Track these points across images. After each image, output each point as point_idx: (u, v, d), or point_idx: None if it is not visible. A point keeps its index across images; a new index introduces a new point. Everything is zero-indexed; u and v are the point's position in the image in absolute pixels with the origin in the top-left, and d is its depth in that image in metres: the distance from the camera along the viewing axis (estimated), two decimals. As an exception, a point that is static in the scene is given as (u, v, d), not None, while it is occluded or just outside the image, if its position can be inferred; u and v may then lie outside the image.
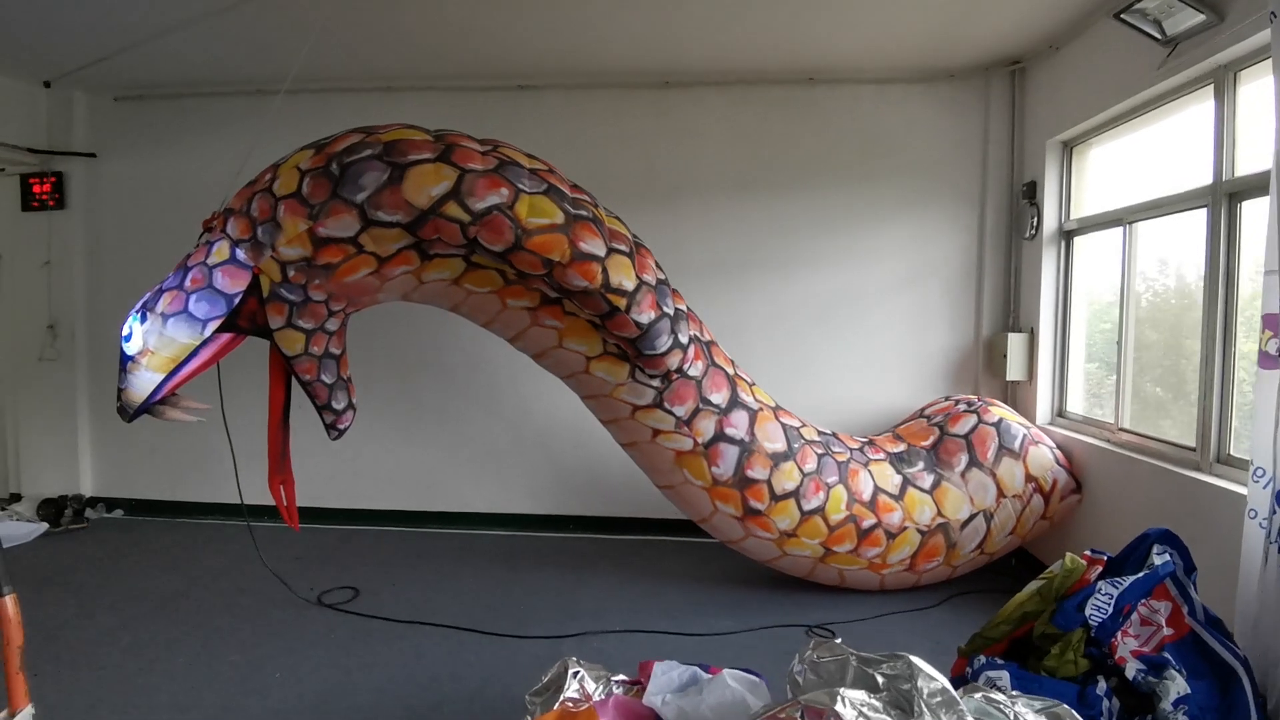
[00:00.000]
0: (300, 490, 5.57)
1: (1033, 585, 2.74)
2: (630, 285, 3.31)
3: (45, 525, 5.32)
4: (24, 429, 5.83)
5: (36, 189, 5.54)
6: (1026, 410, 4.74)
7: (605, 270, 3.23)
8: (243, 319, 3.33)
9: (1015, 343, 4.76)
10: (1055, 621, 2.57)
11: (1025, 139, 4.96)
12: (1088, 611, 2.47)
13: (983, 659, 2.53)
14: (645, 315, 3.36)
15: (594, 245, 3.24)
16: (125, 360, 3.37)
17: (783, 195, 5.17)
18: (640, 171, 5.21)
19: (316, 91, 5.30)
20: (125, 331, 3.38)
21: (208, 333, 3.30)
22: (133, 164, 5.70)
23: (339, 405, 3.65)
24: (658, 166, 5.24)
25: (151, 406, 3.45)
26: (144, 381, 3.34)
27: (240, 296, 3.29)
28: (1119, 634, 2.44)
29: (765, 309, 5.20)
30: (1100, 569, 2.64)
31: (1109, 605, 2.46)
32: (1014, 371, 4.77)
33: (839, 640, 2.33)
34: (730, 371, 3.91)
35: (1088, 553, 2.73)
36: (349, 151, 3.20)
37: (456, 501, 5.51)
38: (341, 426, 3.71)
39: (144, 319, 3.32)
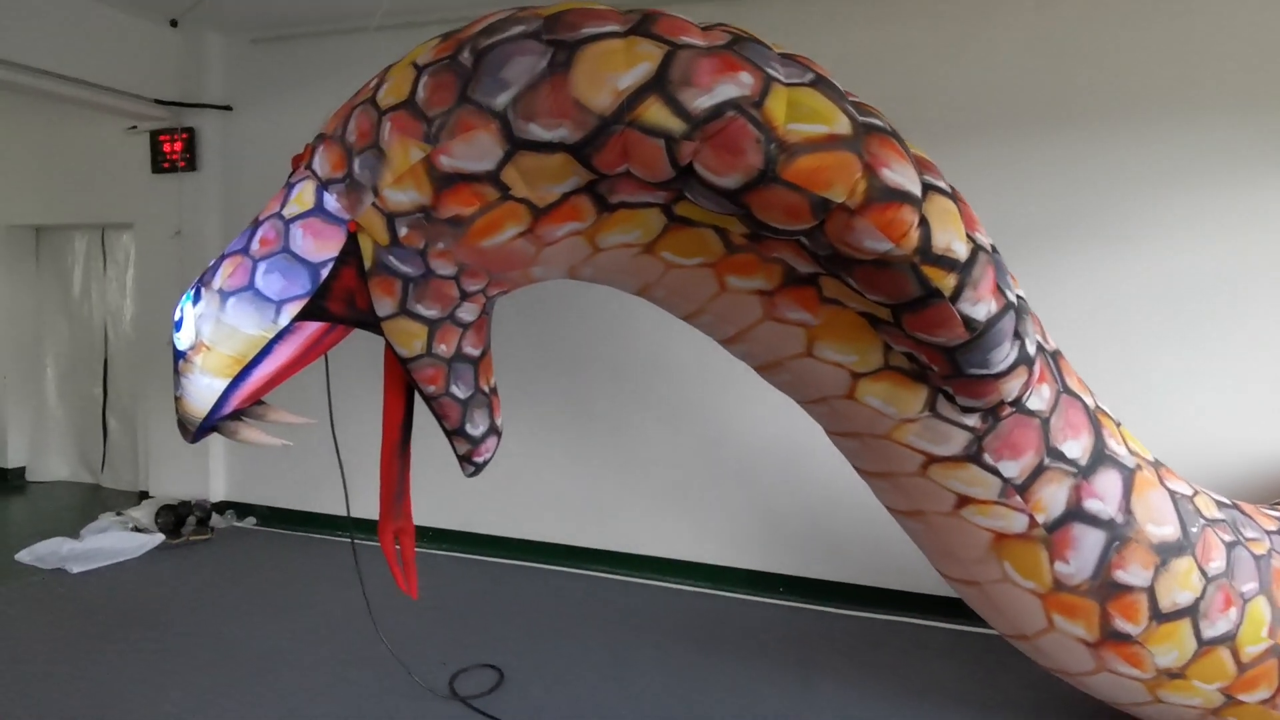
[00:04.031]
0: (444, 511, 4.60)
1: None
2: (963, 251, 1.86)
3: (161, 537, 4.61)
4: (155, 422, 5.20)
5: (167, 148, 4.83)
6: None
7: (926, 222, 1.81)
8: (335, 301, 2.20)
9: None
10: None
11: None
12: None
13: None
14: (983, 306, 1.90)
15: (904, 175, 1.82)
16: (176, 358, 2.35)
17: (1114, 133, 3.50)
18: (899, 99, 3.63)
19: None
20: (176, 315, 2.36)
21: (284, 320, 2.20)
22: (273, 117, 4.87)
23: (476, 430, 2.46)
24: (924, 92, 3.71)
25: (219, 423, 2.41)
26: (201, 389, 2.29)
27: (330, 266, 2.17)
28: None
29: (1085, 297, 3.55)
30: None
31: None
32: None
33: None
34: (1090, 403, 2.37)
35: None
36: (489, 32, 1.96)
37: (633, 541, 4.29)
38: (479, 459, 2.54)
39: (197, 298, 2.27)
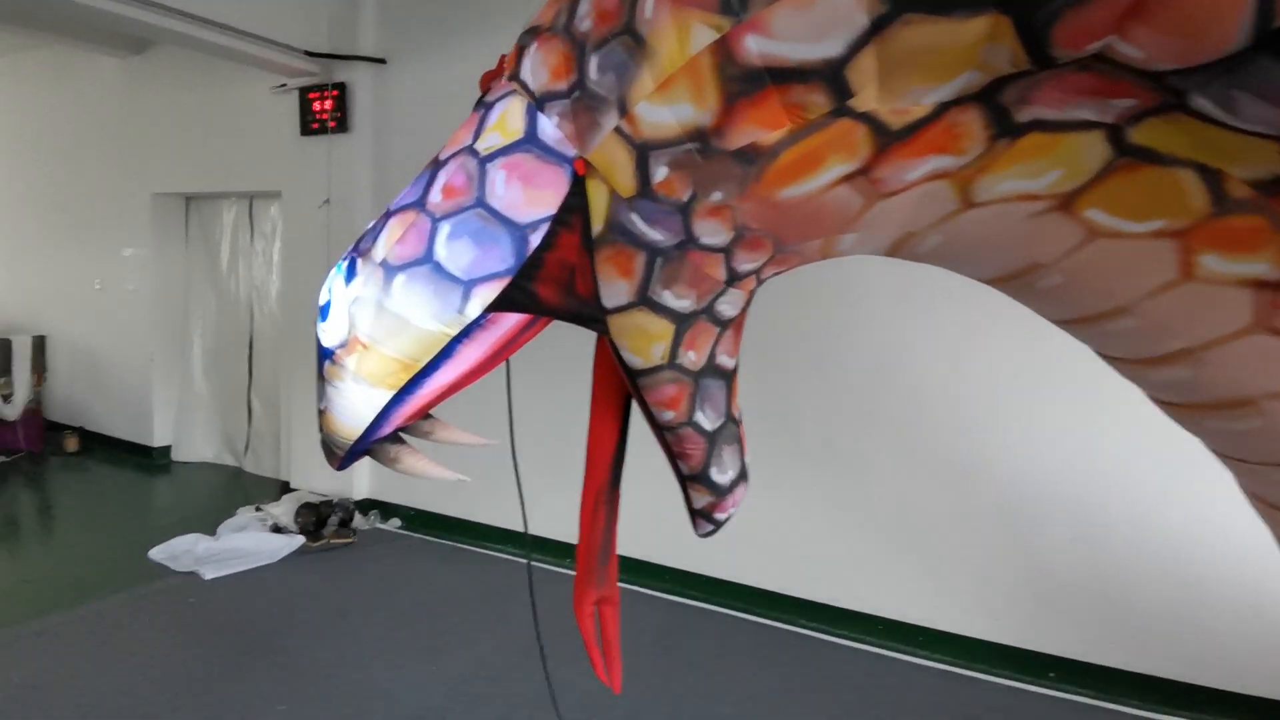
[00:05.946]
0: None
1: None
2: None
3: (301, 539, 4.14)
4: (297, 409, 4.76)
5: (316, 106, 4.32)
6: None
7: None
8: (546, 282, 1.47)
9: None
10: None
11: None
12: None
13: None
14: None
15: None
16: (322, 357, 1.69)
17: None
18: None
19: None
20: (322, 297, 1.71)
21: (473, 310, 1.48)
22: (430, 72, 4.27)
23: (724, 476, 1.70)
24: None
25: (374, 446, 1.74)
26: (354, 403, 1.62)
27: (546, 230, 1.43)
28: None
29: None
30: None
31: None
32: None
33: None
34: None
35: None
36: None
37: (851, 595, 3.45)
38: (721, 515, 1.79)
39: (351, 274, 1.59)
